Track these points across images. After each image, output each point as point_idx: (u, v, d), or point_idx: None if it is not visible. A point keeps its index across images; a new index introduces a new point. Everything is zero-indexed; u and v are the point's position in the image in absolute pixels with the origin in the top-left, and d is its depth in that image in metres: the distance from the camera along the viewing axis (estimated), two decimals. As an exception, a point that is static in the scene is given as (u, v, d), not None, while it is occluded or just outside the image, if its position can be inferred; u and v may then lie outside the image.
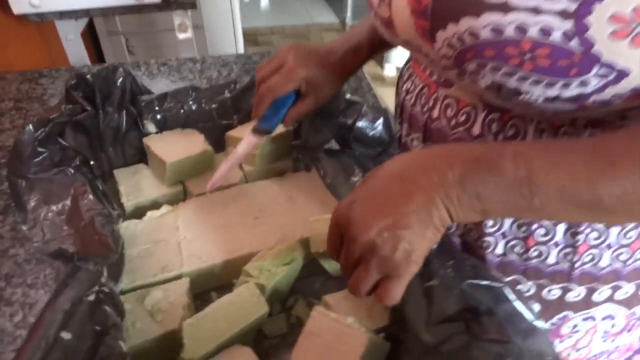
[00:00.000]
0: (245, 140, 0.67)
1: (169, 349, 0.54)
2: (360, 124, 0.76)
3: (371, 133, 0.77)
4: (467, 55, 0.45)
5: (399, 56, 3.06)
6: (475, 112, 0.57)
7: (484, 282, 0.46)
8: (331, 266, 0.60)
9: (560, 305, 0.62)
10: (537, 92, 0.44)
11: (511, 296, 0.45)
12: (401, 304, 0.52)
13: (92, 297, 0.46)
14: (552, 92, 0.43)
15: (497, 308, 0.44)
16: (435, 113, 0.62)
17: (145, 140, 0.74)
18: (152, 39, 1.92)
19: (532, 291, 0.61)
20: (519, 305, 0.45)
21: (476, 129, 0.57)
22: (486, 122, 0.56)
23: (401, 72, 0.76)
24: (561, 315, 0.62)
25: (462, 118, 0.58)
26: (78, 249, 0.50)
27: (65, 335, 0.42)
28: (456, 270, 0.48)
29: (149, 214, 0.68)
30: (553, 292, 0.61)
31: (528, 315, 0.45)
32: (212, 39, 2.06)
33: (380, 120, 0.78)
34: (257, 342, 0.57)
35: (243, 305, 0.53)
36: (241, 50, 2.28)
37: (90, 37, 1.92)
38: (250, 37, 3.71)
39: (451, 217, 0.41)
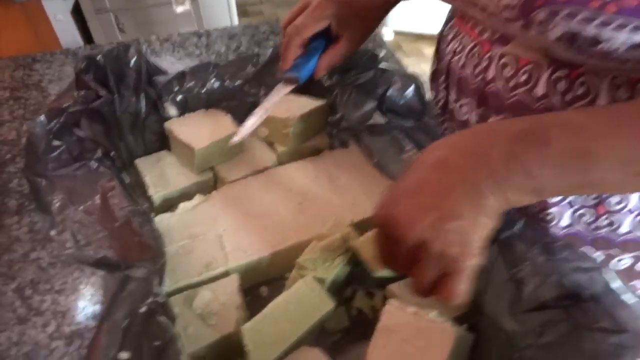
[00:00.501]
0: (275, 91, 0.62)
1: (227, 354, 0.50)
2: (390, 92, 0.70)
3: (401, 102, 0.71)
4: (536, 3, 0.40)
5: (396, 19, 2.95)
6: (539, 70, 0.51)
7: (585, 265, 0.41)
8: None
9: (629, 274, 0.58)
10: (620, 39, 0.39)
11: (615, 280, 0.40)
12: (479, 292, 0.47)
13: (144, 309, 0.40)
14: (639, 37, 0.38)
15: (601, 293, 0.40)
16: (490, 74, 0.56)
17: (167, 124, 0.68)
18: (144, 15, 1.81)
19: (599, 261, 0.57)
20: (622, 289, 0.40)
21: (540, 89, 0.51)
22: (551, 80, 0.50)
23: (441, 32, 0.69)
24: (629, 284, 0.59)
25: (523, 78, 0.52)
26: (121, 255, 0.44)
27: (123, 356, 0.37)
28: (547, 253, 0.43)
29: (182, 205, 0.62)
30: (624, 261, 0.57)
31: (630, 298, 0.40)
32: (206, 12, 1.95)
33: (411, 88, 0.72)
34: (319, 339, 0.52)
35: (304, 302, 0.48)
36: (235, 22, 2.18)
37: (76, 17, 1.81)
38: (240, 7, 3.58)
39: (500, 201, 0.36)
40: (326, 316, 0.49)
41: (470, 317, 0.50)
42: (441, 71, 0.68)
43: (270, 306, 0.48)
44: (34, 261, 0.64)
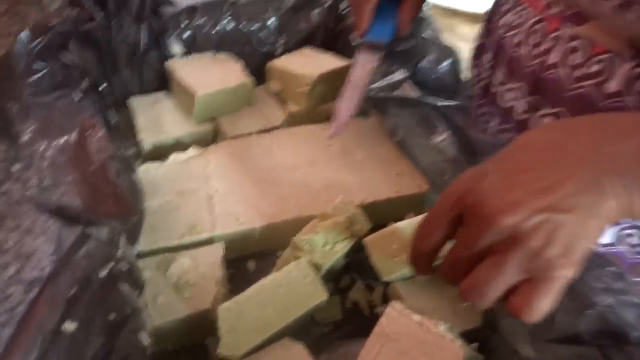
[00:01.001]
0: (359, 63, 0.54)
1: (196, 333, 0.44)
2: (423, 64, 0.62)
3: (433, 76, 0.63)
4: None
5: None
6: (616, 61, 0.42)
7: (636, 300, 0.34)
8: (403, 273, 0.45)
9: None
10: None
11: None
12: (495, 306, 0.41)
13: (104, 273, 0.34)
14: None
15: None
16: (553, 58, 0.47)
17: (169, 63, 0.60)
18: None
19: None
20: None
21: (612, 85, 0.43)
22: (630, 76, 0.42)
23: (496, 1, 0.60)
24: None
25: (594, 68, 0.44)
26: (86, 205, 0.37)
27: (69, 326, 0.31)
28: (593, 277, 0.35)
29: (173, 156, 0.55)
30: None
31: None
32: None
33: (447, 62, 0.63)
34: (304, 329, 0.45)
35: (294, 288, 0.42)
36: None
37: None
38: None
39: (622, 205, 0.28)
40: (317, 308, 0.42)
41: (481, 332, 0.43)
42: (489, 47, 0.59)
43: (255, 287, 0.41)
44: (3, 194, 0.58)
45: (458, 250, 0.32)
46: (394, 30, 0.54)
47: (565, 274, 0.29)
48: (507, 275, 0.29)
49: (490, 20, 0.60)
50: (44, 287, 0.30)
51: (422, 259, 0.36)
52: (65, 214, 0.35)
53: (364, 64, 0.53)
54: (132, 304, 0.35)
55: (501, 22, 0.55)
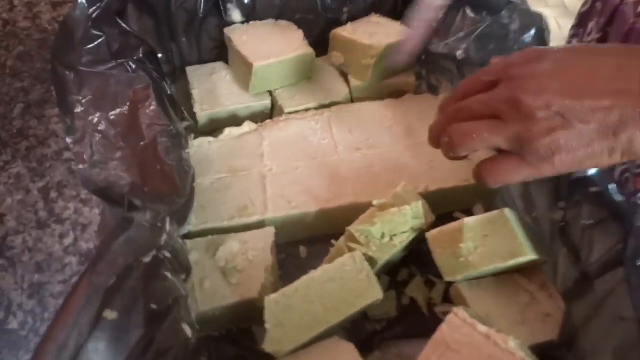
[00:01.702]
0: None
1: (244, 318, 0.42)
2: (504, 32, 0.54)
3: (515, 47, 0.55)
4: None
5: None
6: None
7: None
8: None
9: None
10: None
11: None
12: (577, 322, 0.36)
13: (147, 259, 0.32)
14: None
15: None
16: None
17: (228, 31, 0.57)
18: None
19: None
20: None
21: None
22: None
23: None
24: None
25: None
26: (132, 186, 0.35)
27: (110, 315, 0.29)
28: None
29: (227, 131, 0.52)
30: None
31: None
32: None
33: (532, 32, 0.55)
34: (355, 325, 0.43)
35: (347, 284, 0.39)
36: None
37: None
38: None
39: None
40: (370, 306, 0.39)
41: (556, 348, 0.38)
42: (598, 13, 0.51)
43: (305, 279, 0.39)
44: (66, 161, 0.59)
45: (473, 101, 0.34)
46: None
47: (544, 168, 0.31)
48: (498, 137, 0.32)
49: None
50: (84, 275, 0.28)
51: (446, 105, 0.38)
52: (110, 195, 0.34)
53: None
54: (175, 293, 0.33)
55: None
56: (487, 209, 0.51)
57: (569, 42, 0.59)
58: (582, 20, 0.54)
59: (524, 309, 0.40)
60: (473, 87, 0.35)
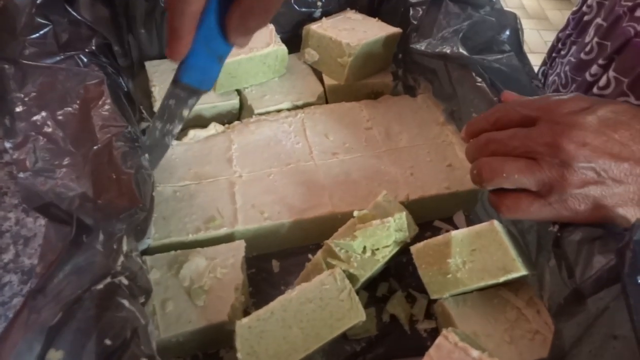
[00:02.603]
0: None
1: (211, 343, 0.38)
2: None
3: (495, 48, 0.53)
4: None
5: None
6: None
7: None
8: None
9: None
10: None
11: None
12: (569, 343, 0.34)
13: (100, 286, 0.28)
14: None
15: None
16: None
17: (192, 23, 0.52)
18: None
19: None
20: None
21: None
22: None
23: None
24: None
25: None
26: (83, 198, 0.31)
27: (54, 356, 0.25)
28: None
29: (192, 133, 0.48)
30: None
31: None
32: None
33: (507, 32, 0.54)
34: (334, 346, 0.39)
35: (327, 305, 0.35)
36: None
37: None
38: None
39: None
40: (352, 328, 0.36)
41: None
42: (602, 33, 0.49)
43: (280, 301, 0.35)
44: (6, 165, 0.52)
45: (509, 136, 0.33)
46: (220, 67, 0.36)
47: (566, 215, 0.32)
48: (529, 179, 0.32)
49: None
50: (22, 308, 0.24)
51: (476, 126, 0.37)
52: (55, 213, 0.29)
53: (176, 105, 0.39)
54: (133, 324, 0.29)
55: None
56: (467, 215, 0.49)
57: (555, 45, 0.58)
58: (579, 24, 0.53)
59: (511, 326, 0.38)
60: (508, 117, 0.35)
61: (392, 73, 0.57)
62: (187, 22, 0.30)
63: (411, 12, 0.54)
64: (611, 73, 0.48)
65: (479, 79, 0.47)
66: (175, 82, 0.37)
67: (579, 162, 0.30)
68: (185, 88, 0.37)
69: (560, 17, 2.23)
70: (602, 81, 0.49)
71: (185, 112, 0.40)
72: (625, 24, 0.47)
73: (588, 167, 0.30)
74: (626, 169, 0.30)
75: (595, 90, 0.50)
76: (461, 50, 0.46)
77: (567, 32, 0.60)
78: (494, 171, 0.33)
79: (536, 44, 2.09)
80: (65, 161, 0.35)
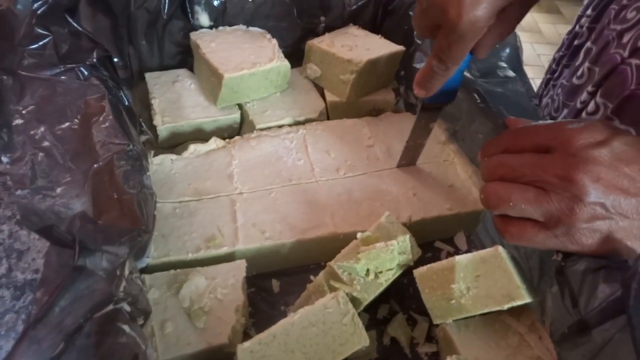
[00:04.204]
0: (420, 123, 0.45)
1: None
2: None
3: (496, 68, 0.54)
4: None
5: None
6: None
7: None
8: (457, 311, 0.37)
9: None
10: None
11: None
12: None
13: (99, 314, 0.27)
14: None
15: None
16: None
17: (194, 36, 0.52)
18: None
19: None
20: None
21: None
22: None
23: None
24: None
25: None
26: (83, 218, 0.30)
27: (52, 386, 0.24)
28: None
29: (192, 147, 0.47)
30: None
31: None
32: None
33: (507, 50, 0.54)
34: (334, 369, 0.39)
35: (330, 329, 0.35)
36: None
37: None
38: None
39: None
40: (355, 353, 0.35)
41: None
42: (593, 60, 0.49)
43: (282, 324, 0.34)
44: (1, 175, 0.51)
45: (520, 163, 0.32)
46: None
47: (571, 247, 0.32)
48: (536, 210, 0.31)
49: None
50: (22, 338, 0.23)
51: (489, 150, 0.36)
52: (56, 235, 0.28)
53: (425, 123, 0.45)
54: (134, 350, 0.28)
55: (611, 26, 0.46)
56: (468, 236, 0.49)
57: (550, 65, 0.58)
58: (570, 47, 0.53)
59: (513, 352, 0.37)
60: (520, 143, 0.34)
61: (393, 90, 0.57)
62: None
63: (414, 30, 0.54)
64: (599, 99, 0.48)
65: (480, 100, 0.47)
66: (424, 106, 0.42)
67: (590, 198, 0.30)
68: (434, 107, 0.43)
69: (553, 31, 2.25)
70: (591, 107, 0.49)
71: (433, 125, 0.45)
72: (613, 51, 0.47)
73: (599, 202, 0.30)
74: (633, 205, 0.30)
75: (584, 115, 0.51)
76: (465, 72, 0.46)
77: (561, 53, 0.60)
78: (500, 198, 0.33)
79: (529, 56, 2.11)
80: (65, 178, 0.34)
